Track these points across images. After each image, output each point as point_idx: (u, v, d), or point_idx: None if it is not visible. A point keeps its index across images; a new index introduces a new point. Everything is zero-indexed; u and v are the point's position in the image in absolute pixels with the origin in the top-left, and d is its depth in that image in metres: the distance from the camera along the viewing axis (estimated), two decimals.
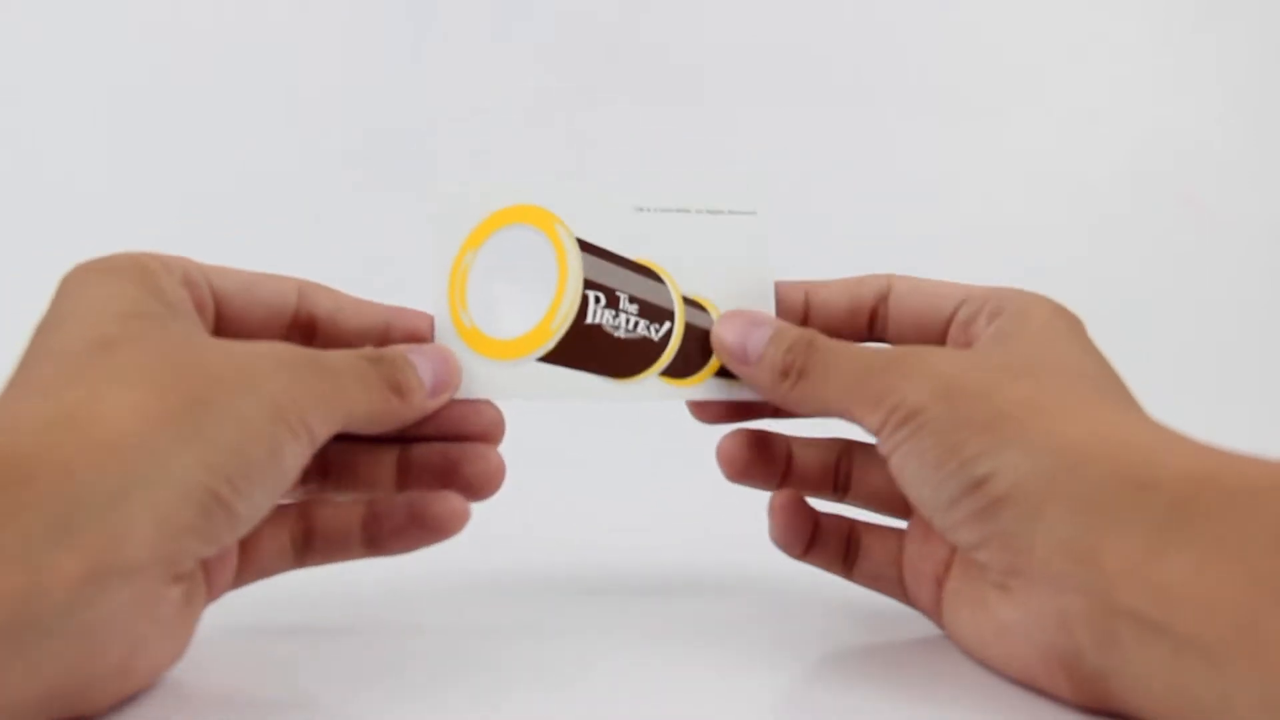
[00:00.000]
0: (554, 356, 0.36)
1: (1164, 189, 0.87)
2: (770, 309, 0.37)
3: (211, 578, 0.31)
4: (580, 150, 0.84)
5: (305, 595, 0.38)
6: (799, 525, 0.37)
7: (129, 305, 0.29)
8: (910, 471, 0.31)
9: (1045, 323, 0.33)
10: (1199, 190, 0.87)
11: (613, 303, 0.37)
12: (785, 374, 0.34)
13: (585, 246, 0.37)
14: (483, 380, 0.36)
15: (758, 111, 0.85)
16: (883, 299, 0.37)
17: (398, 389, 0.33)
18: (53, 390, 0.27)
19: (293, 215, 0.81)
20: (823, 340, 0.34)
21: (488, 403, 0.36)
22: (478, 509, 0.35)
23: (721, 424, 0.38)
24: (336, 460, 0.35)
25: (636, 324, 0.37)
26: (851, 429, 0.37)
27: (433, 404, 0.34)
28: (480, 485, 0.35)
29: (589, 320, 0.36)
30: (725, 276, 0.37)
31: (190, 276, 0.32)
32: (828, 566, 0.37)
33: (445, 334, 0.36)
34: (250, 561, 0.33)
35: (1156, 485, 0.27)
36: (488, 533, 0.35)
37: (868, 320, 0.37)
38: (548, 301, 0.36)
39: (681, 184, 0.38)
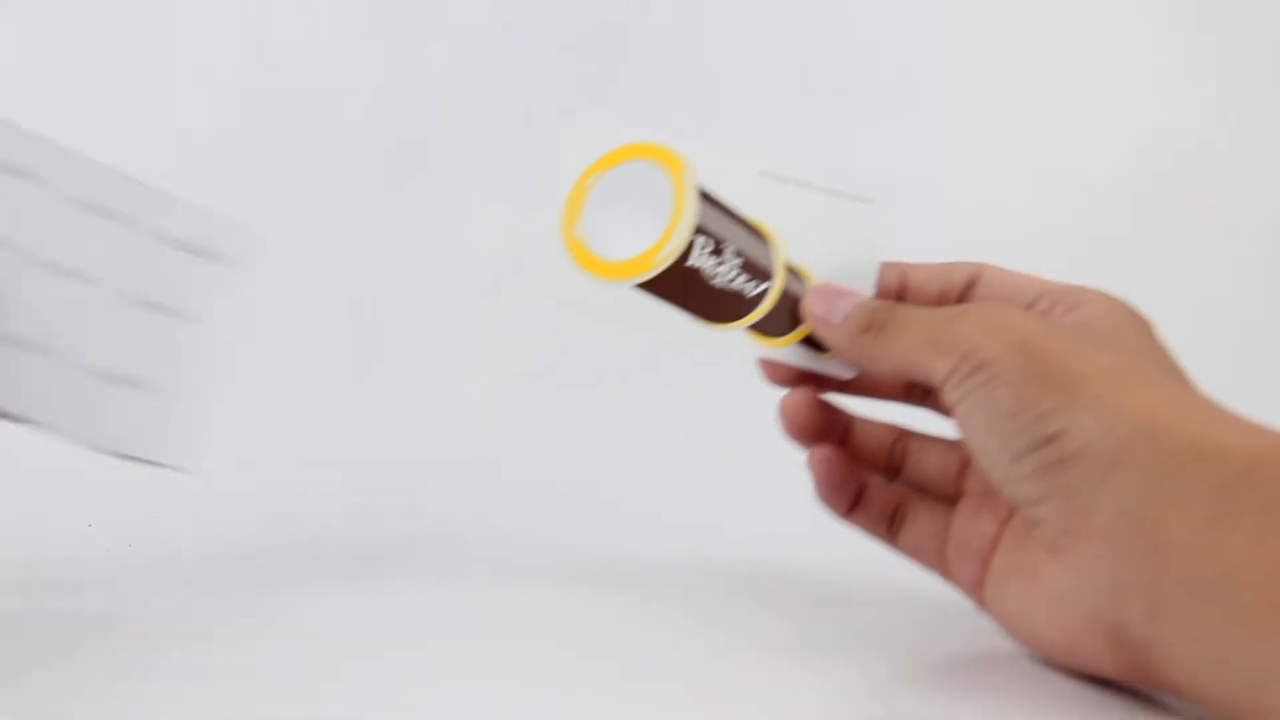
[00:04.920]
0: (650, 286, 0.38)
1: (1164, 189, 0.87)
2: (870, 291, 0.38)
3: None
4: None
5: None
6: (839, 479, 0.38)
7: None
8: (977, 421, 0.31)
9: (1121, 319, 0.34)
10: (1200, 190, 0.87)
11: (718, 251, 0.38)
12: (866, 329, 0.35)
13: (704, 194, 0.38)
14: (576, 293, 0.38)
15: (757, 111, 0.85)
16: (971, 285, 0.38)
17: None
18: None
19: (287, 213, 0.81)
20: (904, 305, 0.36)
21: None
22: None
23: (785, 388, 0.39)
24: None
25: (736, 277, 0.38)
26: (912, 416, 0.39)
27: None
28: None
29: (691, 262, 0.38)
30: (831, 253, 0.38)
31: None
32: (871, 529, 0.38)
33: (551, 243, 0.38)
34: None
35: (1221, 456, 0.27)
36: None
37: (955, 303, 0.38)
38: (657, 235, 0.38)
39: (807, 168, 0.39)
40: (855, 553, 0.47)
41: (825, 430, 0.39)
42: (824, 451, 0.38)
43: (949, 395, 0.32)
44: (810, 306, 0.37)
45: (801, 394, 0.38)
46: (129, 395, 0.37)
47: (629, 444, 0.63)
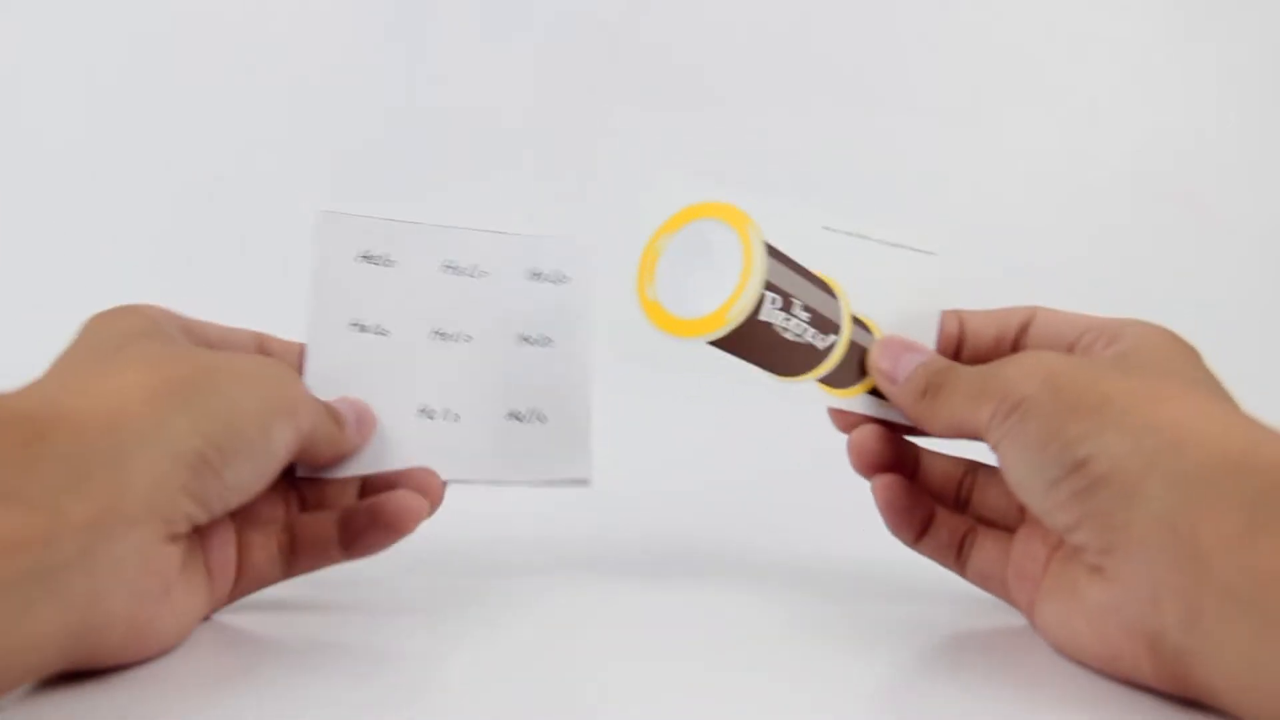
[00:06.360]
0: (724, 343, 0.39)
1: (1164, 189, 0.87)
2: (931, 342, 0.39)
3: (213, 572, 0.34)
4: (584, 155, 0.84)
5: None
6: (902, 506, 0.38)
7: (139, 327, 0.34)
8: (1014, 457, 0.32)
9: (1158, 343, 0.34)
10: (1200, 190, 0.87)
11: (787, 306, 0.39)
12: (924, 392, 0.36)
13: (771, 251, 0.39)
14: (654, 351, 0.39)
15: (757, 111, 0.85)
16: (1025, 327, 0.38)
17: (336, 417, 0.38)
18: (69, 372, 0.32)
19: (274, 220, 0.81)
20: (958, 366, 0.37)
21: (429, 474, 0.39)
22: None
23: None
24: (309, 491, 0.39)
25: (805, 330, 0.39)
26: (979, 450, 0.39)
27: (358, 439, 0.39)
28: (404, 516, 0.37)
29: (762, 317, 0.39)
30: (894, 304, 0.39)
31: (184, 322, 0.37)
32: (940, 558, 0.39)
33: (628, 304, 0.39)
34: (246, 569, 0.36)
35: (1255, 469, 0.27)
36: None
37: (1011, 347, 0.39)
38: (728, 292, 0.39)
39: (869, 217, 0.40)
40: (856, 554, 0.47)
41: (894, 465, 0.39)
42: (886, 479, 0.38)
43: (990, 439, 0.33)
44: (876, 362, 0.38)
45: (869, 430, 0.39)
46: (527, 429, 0.40)
47: (630, 445, 0.63)
